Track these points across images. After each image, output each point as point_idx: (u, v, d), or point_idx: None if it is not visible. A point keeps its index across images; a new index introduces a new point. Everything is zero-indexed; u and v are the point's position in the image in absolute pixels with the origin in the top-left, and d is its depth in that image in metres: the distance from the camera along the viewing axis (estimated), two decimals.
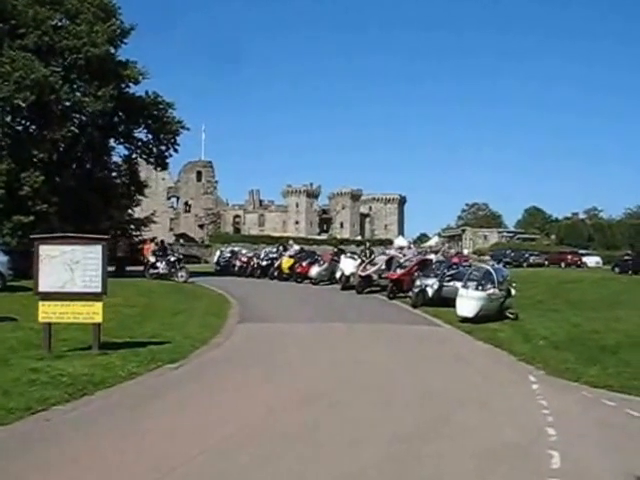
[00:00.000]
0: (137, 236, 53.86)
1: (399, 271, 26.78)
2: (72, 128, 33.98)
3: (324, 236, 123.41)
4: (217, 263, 45.23)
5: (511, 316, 20.10)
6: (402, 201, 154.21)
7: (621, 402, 9.98)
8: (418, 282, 24.01)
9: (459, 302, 19.65)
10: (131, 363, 12.00)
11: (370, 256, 31.08)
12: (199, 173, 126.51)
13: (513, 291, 21.00)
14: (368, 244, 34.48)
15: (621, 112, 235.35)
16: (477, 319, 19.21)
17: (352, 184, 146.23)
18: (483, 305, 19.41)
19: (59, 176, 35.70)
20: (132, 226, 56.36)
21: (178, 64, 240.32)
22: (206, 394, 10.14)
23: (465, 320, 19.36)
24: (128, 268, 39.24)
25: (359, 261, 30.73)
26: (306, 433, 8.05)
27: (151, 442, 7.56)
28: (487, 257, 29.72)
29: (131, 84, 38.00)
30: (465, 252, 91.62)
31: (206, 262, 71.86)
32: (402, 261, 28.28)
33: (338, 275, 31.61)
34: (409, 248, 34.77)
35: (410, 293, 24.34)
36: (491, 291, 19.71)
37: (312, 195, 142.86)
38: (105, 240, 14.24)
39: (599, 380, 11.53)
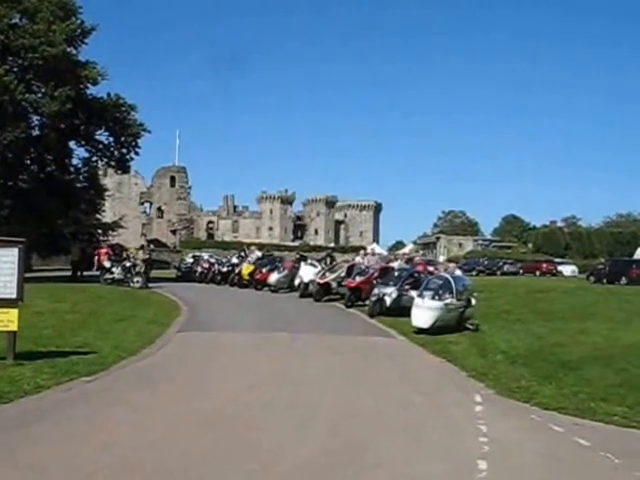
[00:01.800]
0: (105, 241, 52.78)
1: (358, 279, 25.62)
2: (26, 129, 32.47)
3: (297, 243, 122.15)
4: (178, 269, 44.04)
5: (471, 327, 19.04)
6: (378, 208, 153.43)
7: (571, 428, 8.86)
8: (376, 290, 22.87)
9: (414, 312, 18.55)
10: (42, 375, 11.06)
11: (331, 263, 29.98)
12: (172, 178, 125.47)
13: (473, 301, 19.84)
14: (329, 251, 33.51)
15: (603, 118, 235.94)
16: (433, 330, 18.11)
17: (327, 191, 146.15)
18: (440, 315, 18.30)
19: (13, 178, 34.33)
20: (99, 230, 55.29)
21: (155, 67, 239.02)
22: (101, 416, 8.92)
23: (421, 331, 18.26)
24: (86, 273, 38.06)
25: (319, 268, 29.64)
26: (189, 466, 6.85)
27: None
28: (452, 265, 28.20)
29: (91, 85, 36.48)
30: (441, 259, 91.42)
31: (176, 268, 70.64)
32: (363, 268, 27.08)
33: (297, 282, 30.45)
34: (373, 255, 33.60)
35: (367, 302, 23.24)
36: (448, 301, 18.58)
37: (286, 201, 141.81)
38: (22, 243, 13.05)
39: (552, 401, 10.42)
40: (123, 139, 38.48)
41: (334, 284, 27.56)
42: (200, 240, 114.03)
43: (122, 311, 22.08)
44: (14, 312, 12.32)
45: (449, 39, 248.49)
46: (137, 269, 32.61)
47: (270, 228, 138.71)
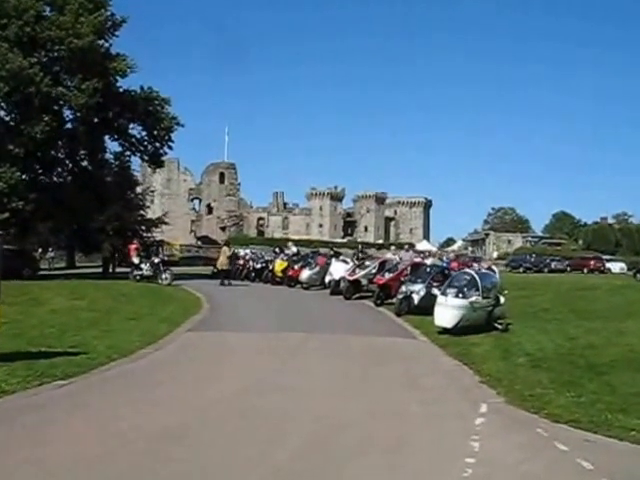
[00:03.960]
0: (149, 237, 52.47)
1: (387, 275, 24.51)
2: (52, 122, 32.08)
3: (346, 239, 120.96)
4: (214, 266, 43.22)
5: (499, 327, 17.81)
6: (428, 205, 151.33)
7: (579, 445, 7.76)
8: (403, 288, 21.78)
9: (437, 311, 17.40)
10: (13, 379, 10.36)
11: (362, 259, 28.89)
12: (222, 175, 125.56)
13: (502, 299, 18.56)
14: (361, 246, 32.37)
15: None
16: (457, 330, 16.98)
17: (377, 187, 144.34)
18: (464, 315, 17.11)
19: (41, 172, 34.05)
20: (143, 227, 55.02)
21: (203, 64, 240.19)
22: (46, 426, 8.09)
23: (445, 331, 17.14)
24: (120, 269, 37.74)
25: (350, 265, 28.56)
26: None
27: None
28: (485, 262, 26.83)
29: (120, 78, 35.97)
30: (495, 255, 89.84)
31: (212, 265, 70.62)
32: (394, 265, 25.93)
33: (327, 279, 29.43)
34: (407, 251, 32.38)
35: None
36: (474, 299, 17.38)
37: (336, 198, 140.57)
38: None
39: (565, 412, 9.29)
40: (156, 133, 37.93)
41: (364, 281, 26.51)
42: (248, 237, 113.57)
43: (139, 309, 21.55)
44: None
45: (502, 39, 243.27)
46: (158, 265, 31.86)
47: (320, 225, 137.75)
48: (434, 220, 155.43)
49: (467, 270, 20.34)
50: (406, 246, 34.26)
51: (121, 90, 36.95)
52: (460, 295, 17.37)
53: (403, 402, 9.97)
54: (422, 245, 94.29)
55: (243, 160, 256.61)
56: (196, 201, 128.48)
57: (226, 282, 32.58)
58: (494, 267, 25.91)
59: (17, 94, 31.06)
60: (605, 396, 10.20)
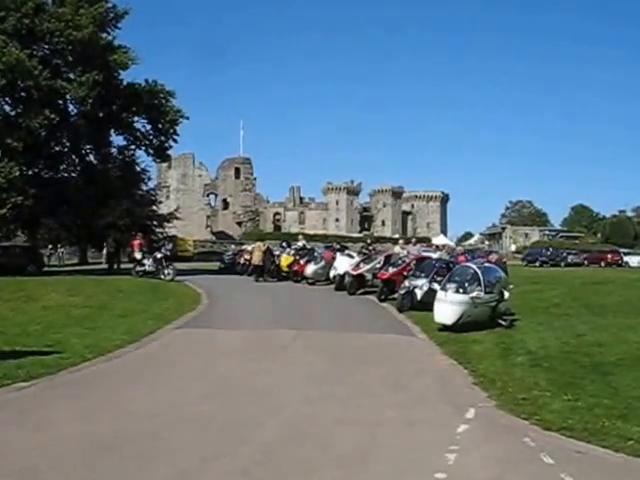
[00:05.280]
0: (161, 233, 51.88)
1: (391, 270, 23.67)
2: (52, 116, 31.45)
3: (363, 234, 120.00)
4: (221, 261, 42.55)
5: (504, 323, 16.97)
6: (445, 199, 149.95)
7: (567, 457, 6.95)
8: (406, 282, 20.96)
9: (436, 307, 16.56)
10: None
11: (368, 253, 28.04)
12: (237, 170, 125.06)
13: (506, 294, 17.68)
14: (369, 240, 31.46)
15: None
16: (458, 327, 16.14)
17: (394, 181, 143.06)
18: (465, 310, 16.26)
19: (44, 167, 33.52)
20: (155, 222, 54.42)
21: (218, 57, 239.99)
22: None
23: (445, 328, 16.31)
24: (124, 266, 37.23)
25: (356, 259, 27.72)
26: None
27: None
28: (494, 255, 25.74)
29: (123, 70, 35.36)
30: (513, 248, 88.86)
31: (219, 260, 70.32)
32: (399, 259, 25.05)
33: (332, 274, 28.60)
34: (414, 245, 31.48)
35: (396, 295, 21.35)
36: (475, 294, 16.51)
37: (353, 192, 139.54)
38: None
39: (558, 418, 8.47)
40: (161, 126, 37.29)
41: (369, 276, 25.68)
42: (263, 232, 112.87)
43: (134, 305, 21.10)
44: None
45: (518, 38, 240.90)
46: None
47: (337, 220, 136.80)
48: (452, 214, 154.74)
49: (469, 264, 19.45)
50: (413, 239, 33.21)
51: (125, 83, 36.29)
52: (461, 290, 16.53)
53: (380, 407, 9.12)
54: (438, 239, 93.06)
55: (259, 155, 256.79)
56: (212, 196, 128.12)
57: (261, 279, 32.12)
58: (504, 260, 24.90)
59: (15, 87, 30.44)
60: (605, 399, 9.38)
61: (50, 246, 52.64)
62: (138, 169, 40.51)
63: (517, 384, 10.56)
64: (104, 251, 50.17)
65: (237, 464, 6.63)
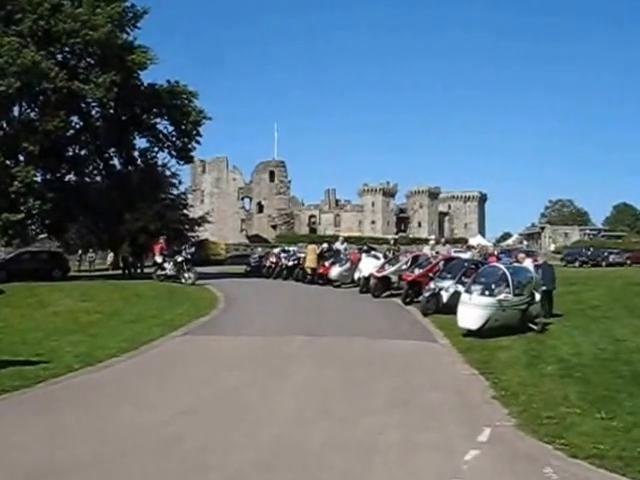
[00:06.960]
0: (193, 236, 51.28)
1: (417, 271, 22.41)
2: (69, 118, 30.71)
3: (398, 236, 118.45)
4: (248, 264, 41.55)
5: (535, 327, 15.68)
6: (482, 199, 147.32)
7: None
8: (431, 285, 19.73)
9: (460, 310, 15.32)
10: None
11: (394, 254, 26.79)
12: (272, 173, 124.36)
13: (537, 296, 16.34)
14: (393, 241, 30.19)
15: None
16: (486, 332, 14.90)
17: (430, 182, 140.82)
18: (492, 314, 15.02)
19: (66, 171, 32.90)
20: (186, 226, 53.81)
21: (255, 60, 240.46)
22: None
23: (470, 333, 15.06)
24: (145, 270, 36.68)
25: (382, 261, 26.47)
26: None
27: None
28: (524, 258, 24.03)
29: (142, 70, 34.42)
30: (552, 247, 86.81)
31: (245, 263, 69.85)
32: (426, 260, 23.76)
33: (357, 276, 27.38)
34: (444, 246, 30.16)
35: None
36: (502, 296, 15.24)
37: (389, 194, 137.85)
38: None
39: (588, 441, 7.24)
40: (184, 127, 36.47)
41: (394, 278, 24.42)
42: (297, 234, 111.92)
43: (146, 311, 20.35)
44: None
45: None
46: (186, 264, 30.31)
47: (372, 222, 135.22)
48: (490, 215, 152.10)
49: (496, 264, 18.14)
50: (443, 239, 31.86)
51: (145, 84, 35.55)
52: (487, 292, 15.28)
53: (380, 428, 7.94)
54: (475, 240, 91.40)
55: (294, 158, 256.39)
56: (246, 200, 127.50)
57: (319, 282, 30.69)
58: (541, 260, 23.21)
59: (32, 90, 29.76)
60: None
61: (80, 251, 52.23)
62: (168, 173, 39.91)
63: (543, 398, 9.36)
64: (109, 257, 50.06)
65: None
